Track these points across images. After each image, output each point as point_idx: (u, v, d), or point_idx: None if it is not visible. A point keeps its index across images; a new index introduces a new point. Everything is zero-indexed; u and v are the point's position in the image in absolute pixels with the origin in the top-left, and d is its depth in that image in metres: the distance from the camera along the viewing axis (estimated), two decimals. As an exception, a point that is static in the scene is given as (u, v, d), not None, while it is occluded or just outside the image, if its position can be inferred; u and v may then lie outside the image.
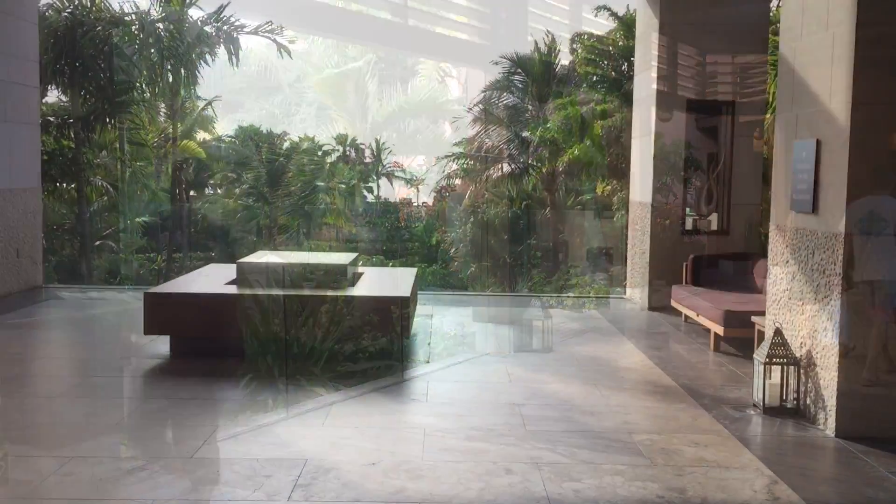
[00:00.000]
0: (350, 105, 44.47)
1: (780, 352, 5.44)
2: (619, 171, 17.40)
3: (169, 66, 16.35)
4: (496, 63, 25.14)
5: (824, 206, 5.22)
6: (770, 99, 10.26)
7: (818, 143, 5.32)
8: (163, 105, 21.73)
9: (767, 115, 10.15)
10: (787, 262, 5.71)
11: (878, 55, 4.87)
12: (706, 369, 6.71)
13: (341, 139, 31.35)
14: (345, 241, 25.23)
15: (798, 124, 5.67)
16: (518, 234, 21.82)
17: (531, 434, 4.90)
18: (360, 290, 7.24)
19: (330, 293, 6.96)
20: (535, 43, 24.41)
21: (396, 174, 32.83)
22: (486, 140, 24.76)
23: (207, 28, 16.56)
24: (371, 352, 6.84)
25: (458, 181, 27.42)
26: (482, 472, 4.24)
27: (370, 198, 31.69)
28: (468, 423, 5.12)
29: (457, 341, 7.64)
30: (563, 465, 4.38)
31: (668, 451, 4.62)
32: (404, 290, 7.15)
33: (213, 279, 7.70)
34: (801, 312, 5.46)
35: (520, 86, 25.10)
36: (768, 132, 10.01)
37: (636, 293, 10.07)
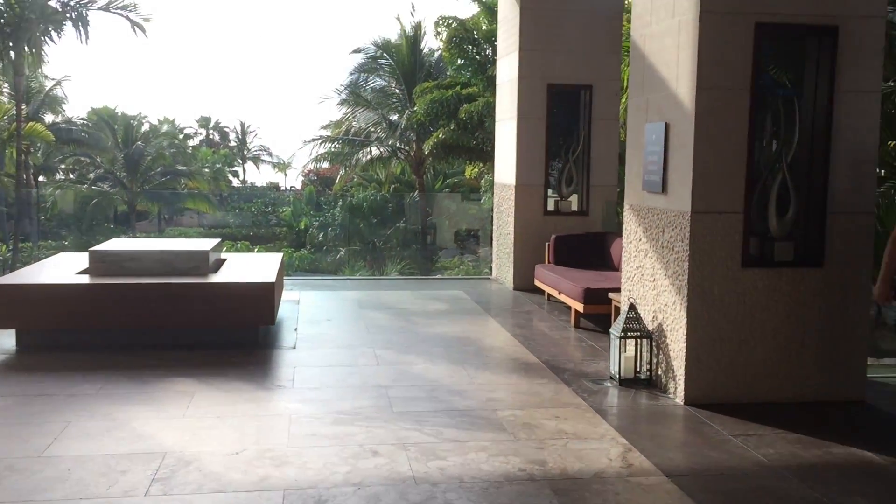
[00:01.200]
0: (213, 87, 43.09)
1: (634, 326, 5.70)
2: (486, 153, 17.68)
3: (11, 44, 15.29)
4: (358, 51, 24.87)
5: (673, 186, 5.49)
6: (624, 83, 10.68)
7: (667, 126, 5.58)
8: (6, 85, 20.32)
9: (623, 100, 10.56)
10: (640, 240, 5.98)
11: (720, 43, 5.15)
12: (567, 345, 6.95)
13: (204, 122, 30.35)
14: (209, 227, 24.50)
15: (648, 108, 5.93)
16: (387, 217, 21.84)
17: (398, 415, 4.93)
18: (223, 276, 7.04)
19: (189, 280, 6.73)
20: (402, 26, 24.35)
21: (263, 158, 32.11)
22: (354, 123, 24.60)
23: (52, 3, 15.58)
24: (234, 339, 6.68)
25: (325, 165, 27.09)
26: (348, 456, 4.23)
27: (236, 182, 30.87)
28: (335, 407, 5.09)
29: (324, 326, 7.57)
30: (429, 444, 4.42)
31: (530, 425, 4.76)
32: (269, 275, 7.01)
33: (63, 269, 7.29)
34: (652, 288, 5.74)
35: (387, 69, 25.02)
36: (623, 116, 10.42)
37: (502, 273, 10.29)
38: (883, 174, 8.68)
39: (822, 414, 5.10)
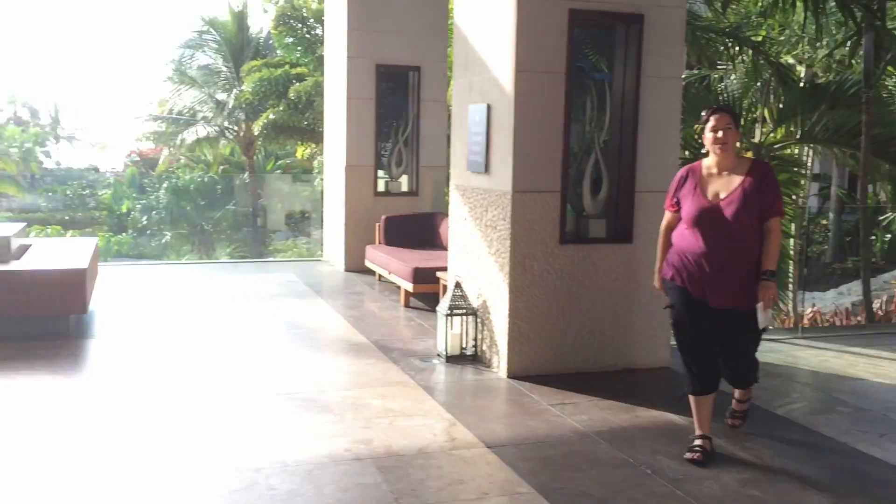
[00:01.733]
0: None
1: (460, 303, 5.82)
2: (317, 134, 17.44)
3: None
4: (185, 26, 23.73)
5: (495, 166, 5.62)
6: (451, 65, 10.82)
7: (489, 107, 5.70)
8: None
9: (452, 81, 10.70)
10: (465, 219, 6.10)
11: (536, 26, 5.31)
12: (397, 325, 7.00)
13: (11, 98, 28.06)
14: (18, 211, 22.69)
15: (472, 90, 6.03)
16: (216, 199, 21.08)
17: (221, 400, 4.78)
18: (26, 263, 6.55)
19: (-12, 268, 6.20)
20: (229, 1, 23.49)
21: (79, 137, 30.08)
22: (179, 101, 23.51)
23: None
24: (44, 330, 6.23)
25: (150, 145, 25.80)
26: (166, 447, 4.06)
27: (49, 163, 28.76)
28: (150, 397, 4.86)
29: (145, 313, 7.21)
30: (252, 428, 4.32)
31: (357, 405, 4.76)
32: (80, 261, 6.58)
33: None
34: (477, 266, 5.87)
35: (214, 45, 24.07)
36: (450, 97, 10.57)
37: (334, 255, 10.20)
38: (687, 155, 9.29)
39: (631, 381, 5.43)
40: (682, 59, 5.83)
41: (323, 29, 14.66)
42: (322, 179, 11.90)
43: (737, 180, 3.97)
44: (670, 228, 4.22)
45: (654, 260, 4.40)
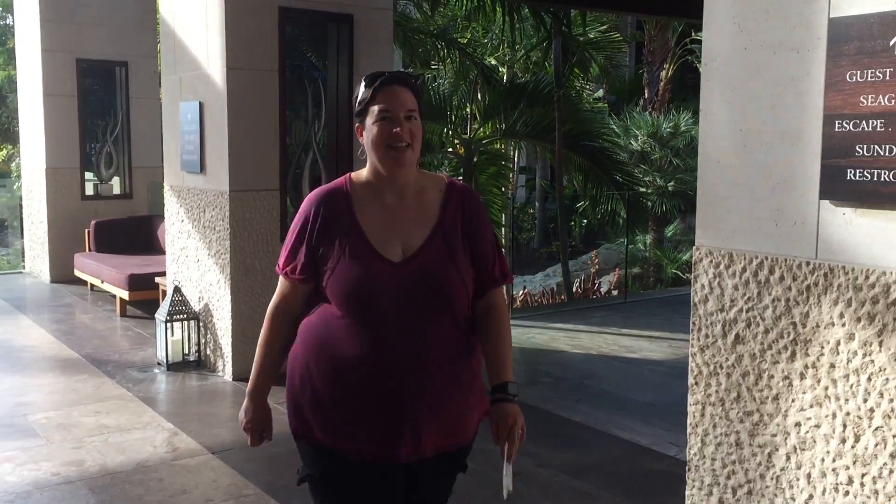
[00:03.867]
0: None
1: (180, 308, 5.61)
2: (14, 134, 15.79)
3: None
4: None
5: (211, 165, 5.49)
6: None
7: (201, 105, 5.54)
8: None
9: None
10: (183, 221, 5.88)
11: (246, 23, 5.25)
12: (112, 336, 6.58)
13: None
14: None
15: (182, 86, 5.83)
16: None
17: None
18: None
19: None
20: None
21: None
22: None
23: None
24: None
25: None
26: None
27: None
28: None
29: None
30: (-60, 465, 3.86)
31: (66, 425, 4.42)
32: None
33: None
34: (197, 269, 5.69)
35: None
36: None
37: (37, 266, 9.33)
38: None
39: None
40: (391, 58, 6.06)
41: (13, 19, 13.29)
42: (21, 184, 10.81)
43: (427, 217, 2.05)
44: (292, 316, 2.12)
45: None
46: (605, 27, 12.54)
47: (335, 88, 5.78)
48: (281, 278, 2.11)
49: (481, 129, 11.15)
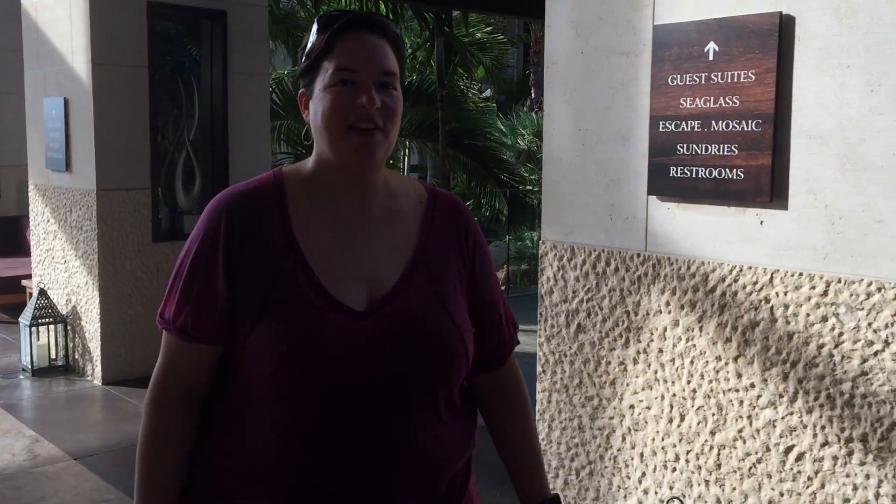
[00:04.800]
0: None
1: (47, 312, 5.40)
2: None
3: None
4: None
5: (77, 163, 5.31)
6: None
7: (66, 101, 5.36)
8: None
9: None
10: (48, 221, 5.67)
11: (113, 18, 5.10)
12: (-25, 342, 6.27)
13: None
14: None
15: (46, 82, 5.62)
16: None
17: None
18: None
19: None
20: None
21: None
22: None
23: None
24: None
25: None
26: None
27: None
28: None
29: None
30: None
31: (-82, 436, 4.21)
32: None
33: None
34: (64, 270, 5.50)
35: None
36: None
37: None
38: (288, 150, 9.61)
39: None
40: (268, 55, 6.02)
41: None
42: None
43: (403, 239, 1.34)
44: (192, 404, 1.31)
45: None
46: (490, 29, 12.76)
47: (209, 85, 5.68)
48: (167, 339, 1.29)
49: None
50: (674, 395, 2.29)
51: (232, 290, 1.24)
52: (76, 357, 5.43)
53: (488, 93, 18.41)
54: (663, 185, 2.28)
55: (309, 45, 1.29)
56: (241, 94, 5.69)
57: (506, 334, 1.45)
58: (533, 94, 16.27)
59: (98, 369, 5.20)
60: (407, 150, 14.36)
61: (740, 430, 2.14)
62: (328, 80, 1.25)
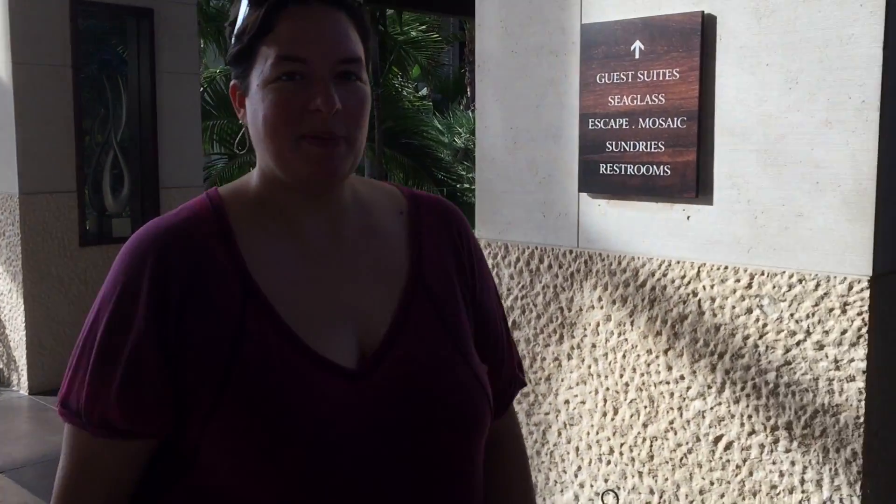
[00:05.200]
0: None
1: (-32, 321, 5.21)
2: None
3: None
4: None
5: (-2, 166, 5.13)
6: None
7: (-16, 101, 5.17)
8: None
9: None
10: (-32, 226, 5.46)
11: (33, 16, 4.94)
12: None
13: None
14: None
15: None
16: None
17: None
18: None
19: None
20: None
21: None
22: None
23: None
24: None
25: None
26: None
27: None
28: None
29: None
30: None
31: None
32: None
33: None
34: (-14, 277, 5.31)
35: None
36: None
37: None
38: (222, 150, 9.46)
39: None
40: (198, 54, 5.91)
41: None
42: None
43: (390, 262, 1.06)
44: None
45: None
46: (425, 27, 12.77)
47: (137, 85, 5.55)
48: (76, 436, 0.98)
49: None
50: (607, 389, 2.32)
51: (174, 362, 0.92)
52: (0, 367, 5.24)
53: (424, 91, 18.45)
54: (594, 182, 2.30)
55: (239, 21, 0.99)
56: (170, 93, 5.57)
57: (512, 373, 1.15)
58: (469, 93, 16.37)
59: (24, 379, 5.04)
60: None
61: (671, 422, 2.19)
62: (268, 72, 0.95)
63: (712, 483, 2.11)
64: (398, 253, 1.06)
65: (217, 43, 9.90)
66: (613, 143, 2.24)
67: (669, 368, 2.18)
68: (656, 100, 2.14)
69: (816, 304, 1.89)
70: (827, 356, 1.89)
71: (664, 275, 2.17)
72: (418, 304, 1.02)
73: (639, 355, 2.25)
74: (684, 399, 2.16)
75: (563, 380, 2.43)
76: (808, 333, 1.92)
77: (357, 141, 0.99)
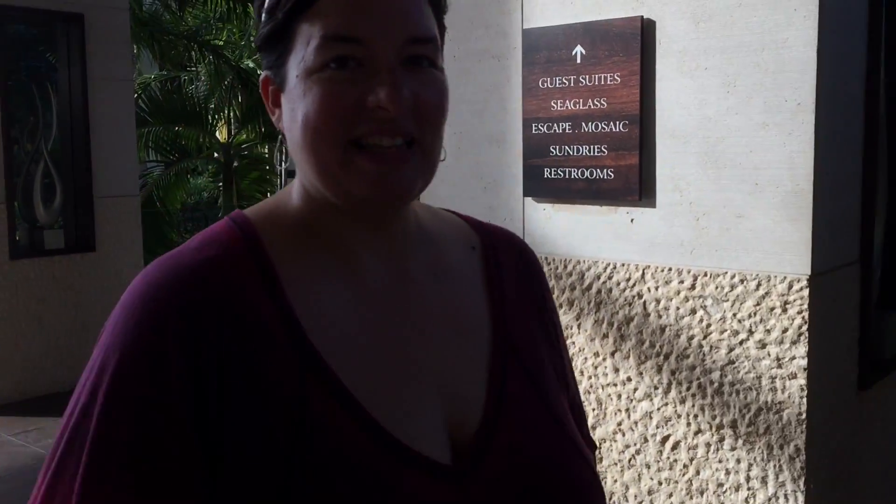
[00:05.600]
0: None
1: None
2: None
3: None
4: None
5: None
6: None
7: None
8: None
9: None
10: None
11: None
12: None
13: None
14: None
15: None
16: None
17: None
18: None
19: None
20: None
21: None
22: None
23: None
24: None
25: None
26: None
27: None
28: None
29: None
30: None
31: None
32: None
33: None
34: None
35: None
36: None
37: None
38: (158, 158, 9.25)
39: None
40: (130, 59, 5.77)
41: None
42: None
43: (468, 312, 0.84)
44: None
45: (122, 265, 4.23)
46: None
47: (67, 92, 5.40)
48: None
49: (239, 133, 10.90)
50: (555, 392, 2.33)
51: (216, 452, 0.67)
52: (-73, 387, 5.04)
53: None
54: (538, 186, 2.31)
55: None
56: (102, 100, 5.43)
57: (590, 441, 0.95)
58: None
59: (-47, 398, 4.85)
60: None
61: (619, 424, 2.20)
62: (312, 58, 0.72)
63: (660, 483, 2.13)
64: (474, 300, 0.84)
65: (151, 48, 9.70)
66: (557, 147, 2.25)
67: (616, 370, 2.20)
68: (598, 104, 2.16)
69: (758, 304, 1.93)
70: (769, 354, 1.92)
71: (609, 277, 2.19)
72: (512, 371, 0.80)
73: (586, 358, 2.26)
74: (632, 400, 2.17)
75: (511, 384, 2.43)
76: (751, 332, 1.95)
77: (433, 150, 0.78)
